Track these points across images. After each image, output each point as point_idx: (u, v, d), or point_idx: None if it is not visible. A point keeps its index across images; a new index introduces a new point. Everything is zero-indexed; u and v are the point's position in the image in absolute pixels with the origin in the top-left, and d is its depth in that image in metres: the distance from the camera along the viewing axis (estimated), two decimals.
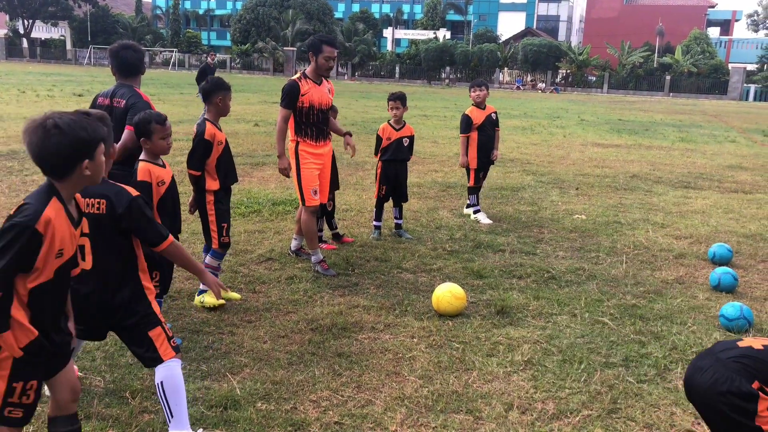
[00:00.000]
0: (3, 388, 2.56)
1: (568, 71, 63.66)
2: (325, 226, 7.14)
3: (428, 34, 74.98)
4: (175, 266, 4.95)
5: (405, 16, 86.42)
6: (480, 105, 8.30)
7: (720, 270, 6.09)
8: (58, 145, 2.47)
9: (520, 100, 39.81)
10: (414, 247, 7.01)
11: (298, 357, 4.43)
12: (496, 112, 8.48)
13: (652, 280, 6.26)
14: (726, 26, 78.34)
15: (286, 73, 68.76)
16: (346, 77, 69.71)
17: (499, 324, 5.10)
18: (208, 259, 5.21)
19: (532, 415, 3.80)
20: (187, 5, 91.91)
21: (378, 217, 7.49)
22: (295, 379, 4.12)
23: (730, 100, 54.21)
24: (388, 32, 79.47)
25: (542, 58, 62.81)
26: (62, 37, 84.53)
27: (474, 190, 8.44)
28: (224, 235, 5.15)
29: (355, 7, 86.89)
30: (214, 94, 5.07)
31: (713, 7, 74.93)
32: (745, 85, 57.49)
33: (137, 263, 3.23)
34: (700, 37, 61.51)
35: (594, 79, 63.18)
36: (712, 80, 58.13)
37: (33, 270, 2.51)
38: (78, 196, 2.74)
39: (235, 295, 5.43)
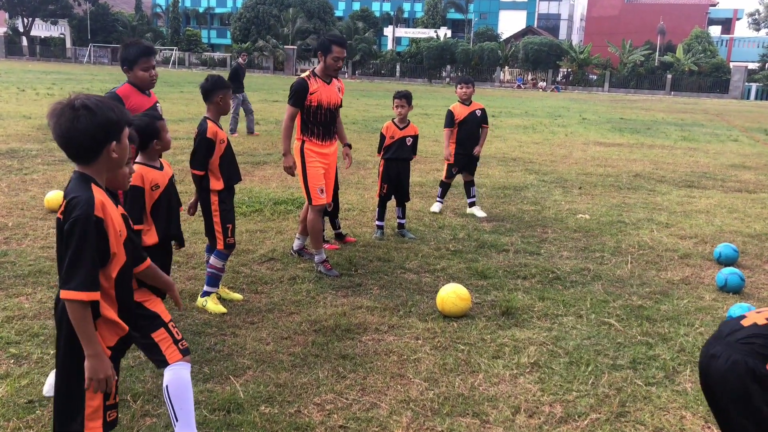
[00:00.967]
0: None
1: (569, 70, 63.52)
2: (328, 226, 7.09)
3: (429, 33, 74.95)
4: (172, 265, 4.92)
5: (406, 15, 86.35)
6: (465, 101, 8.38)
7: (727, 270, 6.03)
8: (87, 125, 2.41)
9: (521, 99, 39.73)
10: (417, 247, 6.95)
11: (301, 359, 4.37)
12: (483, 109, 8.52)
13: (658, 280, 6.20)
14: (727, 25, 78.25)
15: (286, 71, 68.66)
16: (346, 75, 69.63)
17: (504, 325, 5.04)
18: (212, 260, 5.15)
19: (539, 419, 3.75)
20: (187, 3, 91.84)
21: (380, 216, 7.44)
22: (299, 381, 4.06)
23: (732, 99, 54.11)
24: (388, 31, 79.44)
25: (543, 57, 62.69)
26: (62, 36, 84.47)
27: (444, 185, 8.63)
28: (230, 235, 5.09)
29: (356, 6, 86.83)
30: (215, 93, 5.01)
31: (714, 5, 74.85)
32: (746, 83, 57.35)
33: None
34: (702, 36, 61.39)
35: (595, 77, 63.03)
36: (713, 79, 58.01)
37: (111, 257, 2.49)
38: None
39: (237, 296, 5.38)
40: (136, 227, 3.87)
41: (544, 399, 3.97)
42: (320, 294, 5.53)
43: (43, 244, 6.51)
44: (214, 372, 4.14)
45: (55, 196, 7.77)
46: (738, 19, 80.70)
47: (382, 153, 7.39)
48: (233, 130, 16.21)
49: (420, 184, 10.34)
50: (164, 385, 3.15)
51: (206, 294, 5.16)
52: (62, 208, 2.45)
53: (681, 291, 5.93)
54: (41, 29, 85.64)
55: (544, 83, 61.86)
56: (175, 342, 3.22)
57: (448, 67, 68.46)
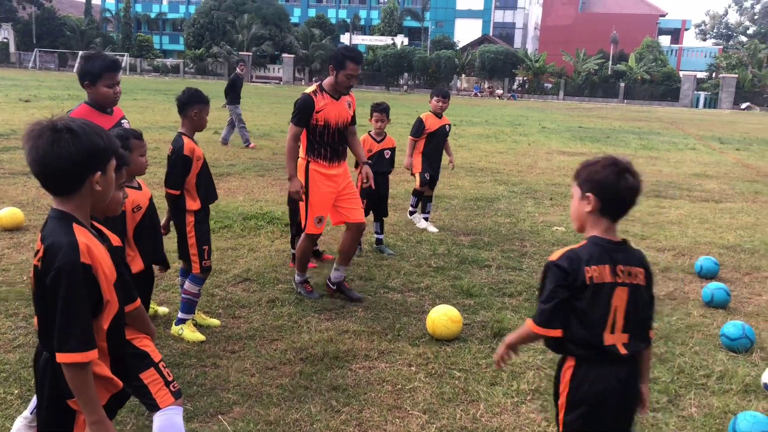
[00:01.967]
0: None
1: (525, 78, 64.24)
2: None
3: (386, 40, 74.86)
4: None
5: (362, 22, 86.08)
6: (437, 114, 8.10)
7: (713, 285, 5.97)
8: (69, 151, 2.09)
9: (479, 107, 39.93)
10: (398, 264, 6.74)
11: (290, 392, 4.11)
12: (450, 125, 8.34)
13: None
14: (676, 35, 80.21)
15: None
16: (303, 83, 69.10)
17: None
18: (187, 284, 4.84)
19: None
20: (139, 8, 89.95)
21: None
22: (291, 417, 3.80)
23: (682, 107, 55.37)
24: (345, 38, 79.08)
25: (499, 65, 63.27)
26: (5, 40, 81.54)
27: (418, 193, 8.31)
28: (206, 258, 4.79)
29: (312, 12, 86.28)
30: (190, 107, 4.71)
31: (664, 16, 76.65)
32: (695, 92, 58.86)
33: None
34: (653, 45, 62.77)
35: (550, 86, 63.86)
36: (664, 87, 59.34)
37: (105, 305, 2.20)
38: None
39: (214, 321, 5.08)
40: None
41: (549, 429, 3.79)
42: (302, 318, 5.27)
43: None
44: (199, 409, 3.85)
45: (7, 214, 7.26)
46: (686, 29, 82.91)
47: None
48: (247, 141, 15.78)
49: (392, 197, 10.08)
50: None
51: (181, 321, 4.84)
52: (40, 255, 2.14)
53: (668, 307, 5.84)
54: None
55: (501, 91, 62.42)
56: (167, 383, 2.97)
57: (406, 74, 68.51)
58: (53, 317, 2.09)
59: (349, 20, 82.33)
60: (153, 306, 5.13)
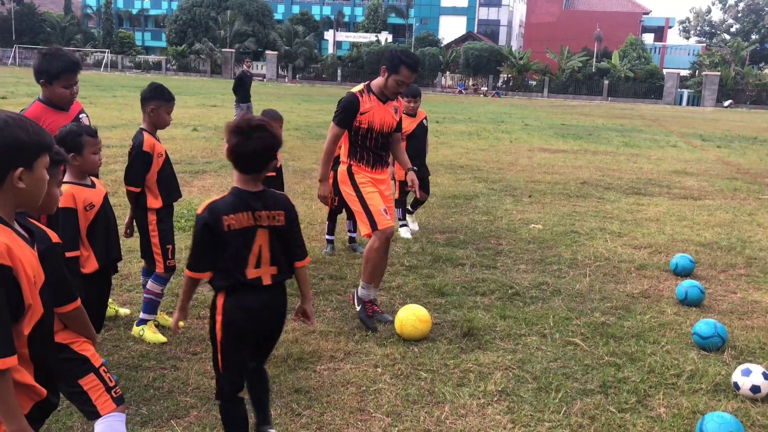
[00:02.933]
0: None
1: (509, 76, 64.29)
2: None
3: (370, 37, 74.61)
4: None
5: (346, 19, 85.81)
6: (411, 114, 7.64)
7: (687, 283, 5.91)
8: None
9: (463, 105, 39.88)
10: None
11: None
12: (425, 118, 7.90)
13: (618, 294, 6.04)
14: (660, 33, 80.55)
15: (224, 74, 67.16)
16: (286, 80, 68.73)
17: (467, 348, 4.76)
18: (150, 284, 4.71)
19: None
20: (120, 4, 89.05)
21: (330, 230, 7.09)
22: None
23: (666, 105, 55.62)
24: (329, 35, 78.68)
25: (484, 63, 63.27)
26: None
27: (401, 203, 7.80)
28: (170, 257, 4.66)
29: (295, 9, 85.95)
30: (147, 103, 4.56)
31: (647, 14, 76.96)
32: (678, 90, 59.13)
33: None
34: (636, 43, 62.99)
35: (534, 83, 63.95)
36: (648, 85, 59.58)
37: (26, 309, 2.06)
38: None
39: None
40: (70, 254, 3.45)
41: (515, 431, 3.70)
42: None
43: None
44: (153, 413, 3.73)
45: None
46: (670, 27, 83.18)
47: (331, 164, 7.02)
48: None
49: None
50: None
51: (143, 322, 4.71)
52: None
53: (642, 305, 5.77)
54: None
55: (485, 89, 62.45)
56: (108, 389, 2.83)
57: None
58: None
59: (333, 17, 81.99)
60: (113, 306, 5.00)
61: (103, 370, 2.88)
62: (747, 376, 4.22)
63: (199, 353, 4.50)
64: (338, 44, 78.11)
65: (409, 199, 8.20)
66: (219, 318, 3.09)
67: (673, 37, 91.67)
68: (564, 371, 4.46)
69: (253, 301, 3.05)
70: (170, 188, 4.72)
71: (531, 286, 6.12)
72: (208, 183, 10.41)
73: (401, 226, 7.85)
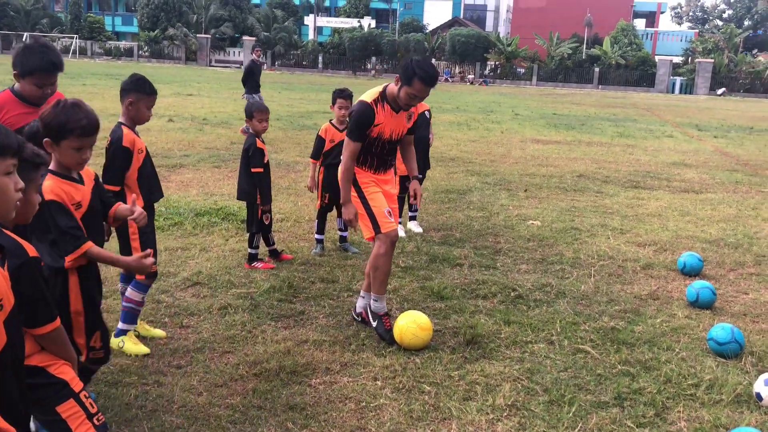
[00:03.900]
0: None
1: (497, 63, 63.63)
2: (262, 242, 6.34)
3: (352, 23, 73.04)
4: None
5: (327, 3, 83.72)
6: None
7: (697, 284, 5.64)
8: None
9: (450, 93, 39.49)
10: (363, 264, 6.27)
11: (241, 413, 3.68)
12: (429, 110, 7.54)
13: (625, 296, 5.76)
14: (651, 18, 79.74)
15: (199, 61, 65.92)
16: (265, 67, 67.33)
17: (471, 358, 4.47)
18: (129, 291, 4.37)
19: None
20: None
21: (320, 229, 6.75)
22: None
23: (658, 93, 55.20)
24: (309, 20, 76.71)
25: (471, 49, 62.45)
26: None
27: (400, 200, 7.33)
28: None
29: None
30: (125, 95, 4.20)
31: None
32: (671, 77, 58.59)
33: None
34: (627, 29, 62.06)
35: (523, 71, 63.30)
36: (639, 72, 58.95)
37: None
38: None
39: (158, 332, 4.62)
40: (82, 249, 3.07)
41: None
42: (257, 326, 4.82)
43: None
44: None
45: None
46: (662, 12, 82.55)
47: (321, 159, 6.70)
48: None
49: None
50: None
51: (122, 333, 4.37)
52: None
53: (652, 308, 5.50)
54: None
55: (473, 76, 61.91)
56: (89, 416, 2.57)
57: (374, 58, 67.05)
58: None
59: (313, 1, 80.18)
60: (146, 328, 4.62)
61: (84, 395, 2.61)
62: None
63: (184, 367, 4.18)
64: (319, 30, 76.59)
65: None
66: None
67: (665, 22, 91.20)
68: (576, 382, 4.18)
69: None
70: (152, 187, 4.39)
71: (534, 288, 5.83)
72: (186, 178, 10.01)
73: (410, 219, 7.65)
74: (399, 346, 4.54)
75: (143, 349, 4.33)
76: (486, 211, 8.69)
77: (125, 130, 4.21)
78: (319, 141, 6.67)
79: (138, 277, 4.32)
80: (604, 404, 3.94)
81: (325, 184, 6.62)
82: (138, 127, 4.32)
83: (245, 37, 68.07)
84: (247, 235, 6.28)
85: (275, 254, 6.32)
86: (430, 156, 8.16)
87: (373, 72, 65.35)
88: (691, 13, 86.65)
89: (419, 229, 7.57)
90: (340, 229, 6.86)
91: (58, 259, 3.08)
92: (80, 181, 3.21)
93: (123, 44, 73.35)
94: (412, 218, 7.70)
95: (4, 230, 2.17)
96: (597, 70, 59.58)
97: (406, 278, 5.94)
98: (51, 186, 3.03)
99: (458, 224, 7.96)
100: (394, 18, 76.61)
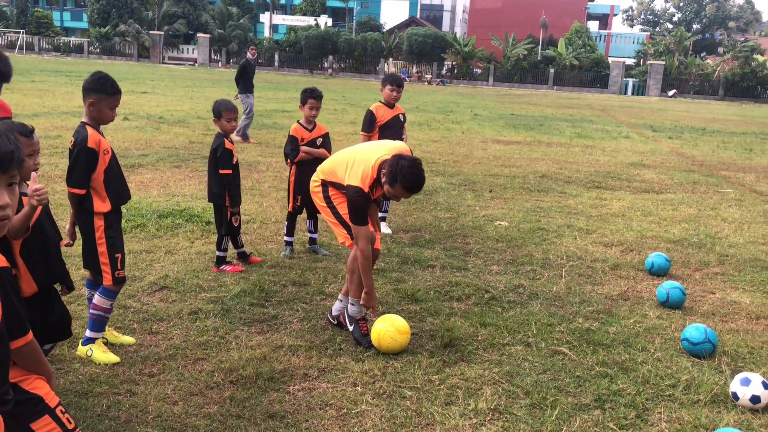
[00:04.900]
0: None
1: (454, 63, 63.97)
2: (230, 245, 6.19)
3: (308, 21, 72.42)
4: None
5: (283, 1, 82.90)
6: (390, 104, 7.36)
7: (667, 285, 5.69)
8: None
9: (408, 93, 39.47)
10: (334, 266, 6.22)
11: (219, 422, 3.56)
12: (404, 114, 7.58)
13: (597, 296, 5.79)
14: (604, 21, 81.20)
15: (152, 59, 64.68)
16: (219, 65, 66.60)
17: (449, 361, 4.42)
18: (97, 298, 4.20)
19: None
20: None
21: (290, 231, 6.63)
22: None
23: (611, 94, 56.21)
24: (265, 17, 75.96)
25: (428, 49, 62.60)
26: None
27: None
28: (119, 268, 4.15)
29: None
30: (86, 95, 4.00)
31: (593, 1, 77.44)
32: (624, 79, 59.81)
33: None
34: (581, 31, 63.13)
35: (480, 71, 63.79)
36: (593, 74, 60.00)
37: None
38: None
39: (127, 339, 4.46)
40: None
41: None
42: (230, 332, 4.69)
43: None
44: None
45: None
46: (614, 15, 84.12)
47: (291, 159, 6.57)
48: (245, 137, 14.21)
49: None
50: None
51: (90, 341, 4.20)
52: None
53: (623, 309, 5.53)
54: None
55: (430, 76, 62.13)
56: None
57: (330, 57, 66.73)
58: None
59: None
60: (114, 335, 4.43)
61: (60, 411, 2.48)
62: (746, 386, 4.01)
63: (156, 375, 4.04)
64: (275, 28, 75.75)
65: None
66: None
67: (618, 25, 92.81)
68: (556, 384, 4.16)
69: None
70: (119, 189, 4.22)
71: (507, 290, 5.82)
72: (146, 178, 9.75)
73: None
74: (377, 351, 4.47)
75: (113, 357, 4.17)
76: (453, 212, 8.67)
77: (90, 130, 4.03)
78: (294, 141, 6.51)
79: (105, 282, 4.14)
80: (586, 406, 3.93)
81: (298, 185, 6.48)
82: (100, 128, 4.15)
83: (199, 35, 67.02)
84: (215, 237, 6.12)
85: (244, 257, 6.18)
86: None
87: (330, 71, 65.01)
88: (642, 16, 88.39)
89: (388, 230, 7.51)
90: (310, 231, 6.75)
91: None
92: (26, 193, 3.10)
93: (73, 40, 71.36)
94: (382, 219, 7.63)
95: None
96: (552, 71, 60.43)
97: (379, 280, 5.86)
98: None
99: (427, 225, 7.92)
100: (350, 17, 76.31)
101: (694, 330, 4.74)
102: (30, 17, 72.79)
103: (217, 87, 32.44)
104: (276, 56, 67.21)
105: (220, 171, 5.84)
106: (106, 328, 4.32)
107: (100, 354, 4.16)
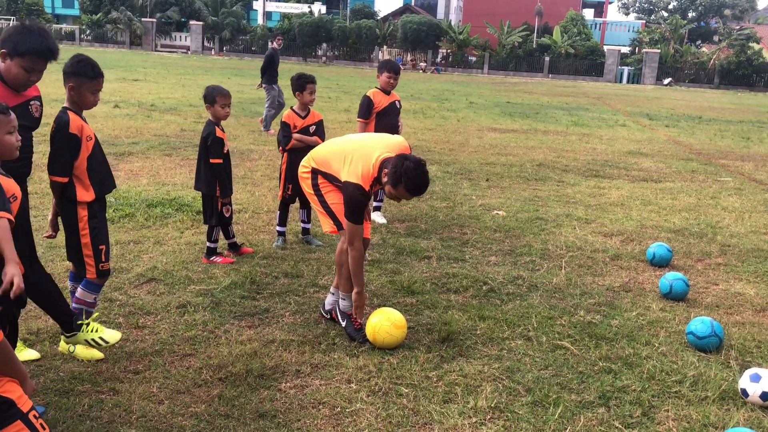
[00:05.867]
0: None
1: (449, 51, 63.57)
2: (221, 235, 6.00)
3: (302, 8, 71.60)
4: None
5: None
6: (386, 91, 7.23)
7: (670, 276, 5.54)
8: None
9: (403, 81, 39.16)
10: (328, 257, 6.04)
11: (207, 422, 3.39)
12: (399, 101, 7.44)
13: (598, 288, 5.63)
14: (600, 8, 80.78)
15: (144, 46, 64.03)
16: (213, 52, 66.00)
17: (447, 356, 4.26)
18: (80, 292, 4.02)
19: None
20: None
21: (282, 221, 6.45)
22: None
23: (607, 82, 55.92)
24: (258, 5, 75.17)
25: (422, 37, 62.11)
26: None
27: None
28: (103, 260, 3.97)
29: None
30: (66, 79, 3.82)
31: None
32: (619, 67, 59.50)
33: None
34: (577, 19, 62.69)
35: (474, 59, 63.39)
36: (589, 62, 59.64)
37: None
38: None
39: (113, 333, 4.26)
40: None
41: None
42: (220, 326, 4.51)
43: None
44: None
45: None
46: (610, 2, 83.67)
47: (285, 146, 6.38)
48: (267, 127, 13.98)
49: None
50: None
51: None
52: None
53: (626, 301, 5.38)
54: None
55: (425, 64, 61.73)
56: None
57: (324, 45, 66.11)
58: None
59: None
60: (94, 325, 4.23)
61: (34, 416, 2.32)
62: (756, 383, 3.87)
63: (142, 372, 3.86)
64: (268, 15, 74.89)
65: None
66: None
67: (613, 13, 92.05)
68: (558, 381, 4.01)
69: None
70: (103, 178, 4.03)
71: (506, 281, 5.65)
72: (136, 166, 9.54)
73: (374, 209, 7.37)
74: (372, 345, 4.30)
75: (96, 353, 3.99)
76: (450, 201, 8.50)
77: (71, 115, 3.85)
78: (286, 128, 6.32)
79: (88, 275, 3.96)
80: (590, 404, 3.78)
81: (289, 174, 6.29)
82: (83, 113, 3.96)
83: (192, 22, 66.36)
84: (205, 227, 5.95)
85: (235, 248, 6.00)
86: None
87: (324, 58, 64.54)
88: (637, 4, 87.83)
89: (383, 220, 7.34)
90: (303, 221, 6.57)
91: None
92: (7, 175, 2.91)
93: (64, 27, 70.62)
94: (377, 209, 7.46)
95: None
96: (547, 59, 60.07)
97: (373, 272, 5.69)
98: None
99: (422, 215, 7.75)
100: (344, 4, 75.60)
101: (700, 323, 4.58)
102: (21, 4, 71.81)
103: (210, 75, 32.11)
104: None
105: (211, 160, 5.65)
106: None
107: (83, 350, 3.98)
